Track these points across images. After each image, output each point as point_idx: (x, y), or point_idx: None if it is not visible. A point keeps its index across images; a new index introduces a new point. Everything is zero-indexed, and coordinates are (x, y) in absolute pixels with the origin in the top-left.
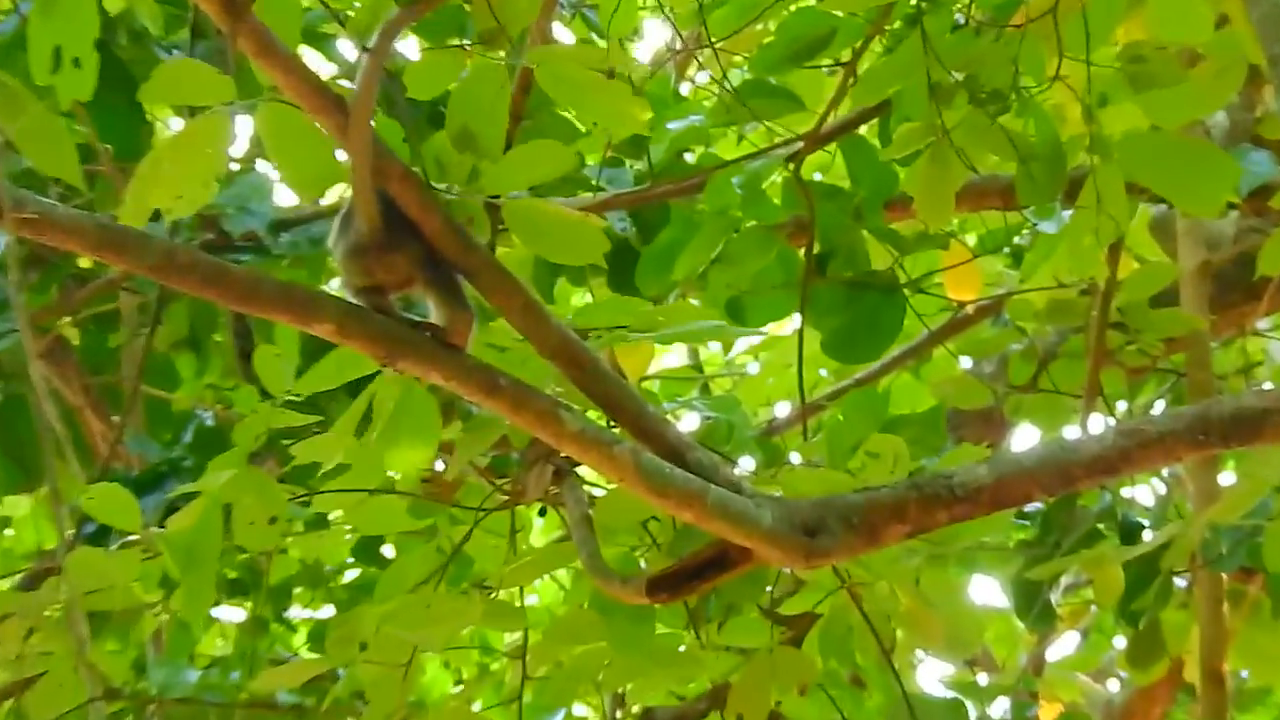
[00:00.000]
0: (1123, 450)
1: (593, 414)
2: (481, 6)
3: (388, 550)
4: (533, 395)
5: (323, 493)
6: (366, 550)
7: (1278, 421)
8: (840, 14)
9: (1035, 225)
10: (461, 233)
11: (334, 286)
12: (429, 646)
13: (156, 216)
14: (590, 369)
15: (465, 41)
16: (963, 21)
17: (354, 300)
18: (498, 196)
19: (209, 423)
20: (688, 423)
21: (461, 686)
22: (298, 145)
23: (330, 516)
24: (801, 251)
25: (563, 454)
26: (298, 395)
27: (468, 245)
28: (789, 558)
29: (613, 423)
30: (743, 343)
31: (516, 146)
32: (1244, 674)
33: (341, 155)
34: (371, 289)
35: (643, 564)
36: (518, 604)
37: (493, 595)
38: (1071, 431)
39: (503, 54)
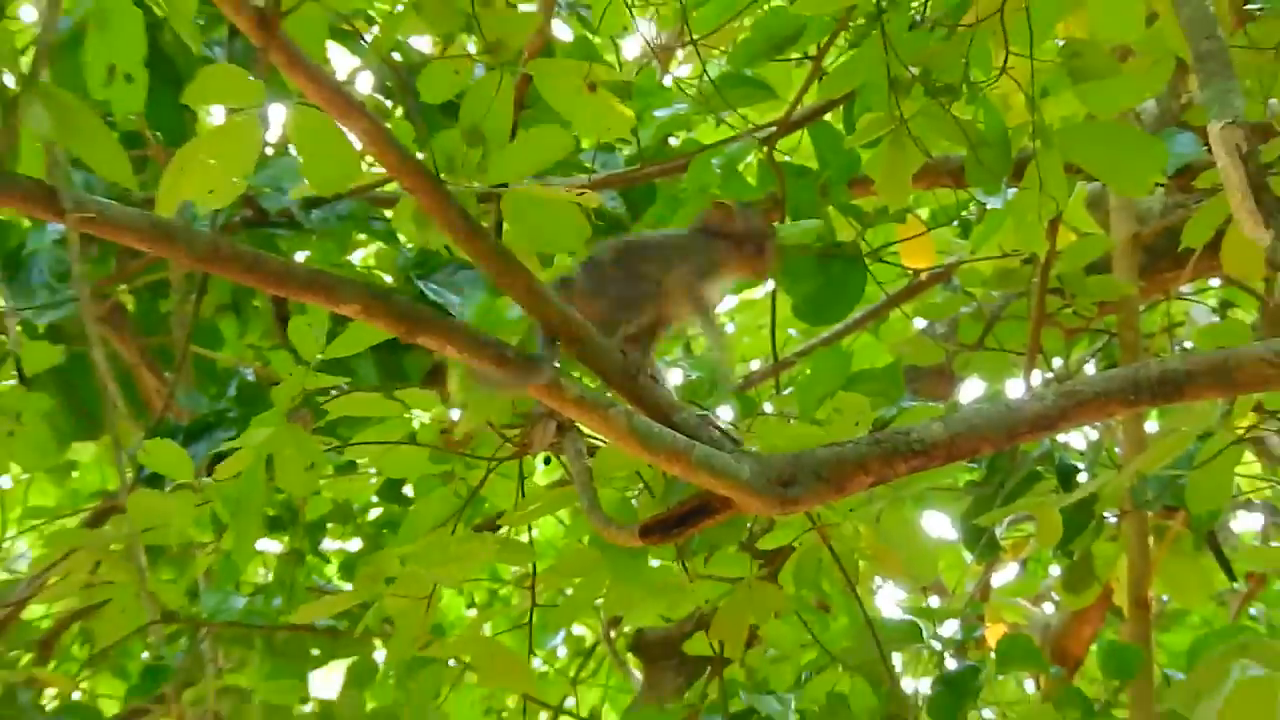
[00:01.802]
0: (1062, 409)
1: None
2: (488, 20)
3: (408, 490)
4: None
5: (353, 444)
6: (390, 491)
7: (1199, 383)
8: (809, 13)
9: (983, 202)
10: (471, 222)
11: (358, 258)
12: (447, 582)
13: None
14: (588, 342)
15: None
16: (919, 20)
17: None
18: (505, 185)
19: (250, 378)
20: (673, 378)
21: (474, 610)
22: (322, 146)
23: (358, 462)
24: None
25: None
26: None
27: (477, 234)
28: (766, 506)
29: (608, 388)
30: (721, 306)
31: (520, 134)
32: (1165, 599)
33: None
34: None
35: (635, 504)
36: (524, 538)
37: (502, 532)
38: (1014, 384)
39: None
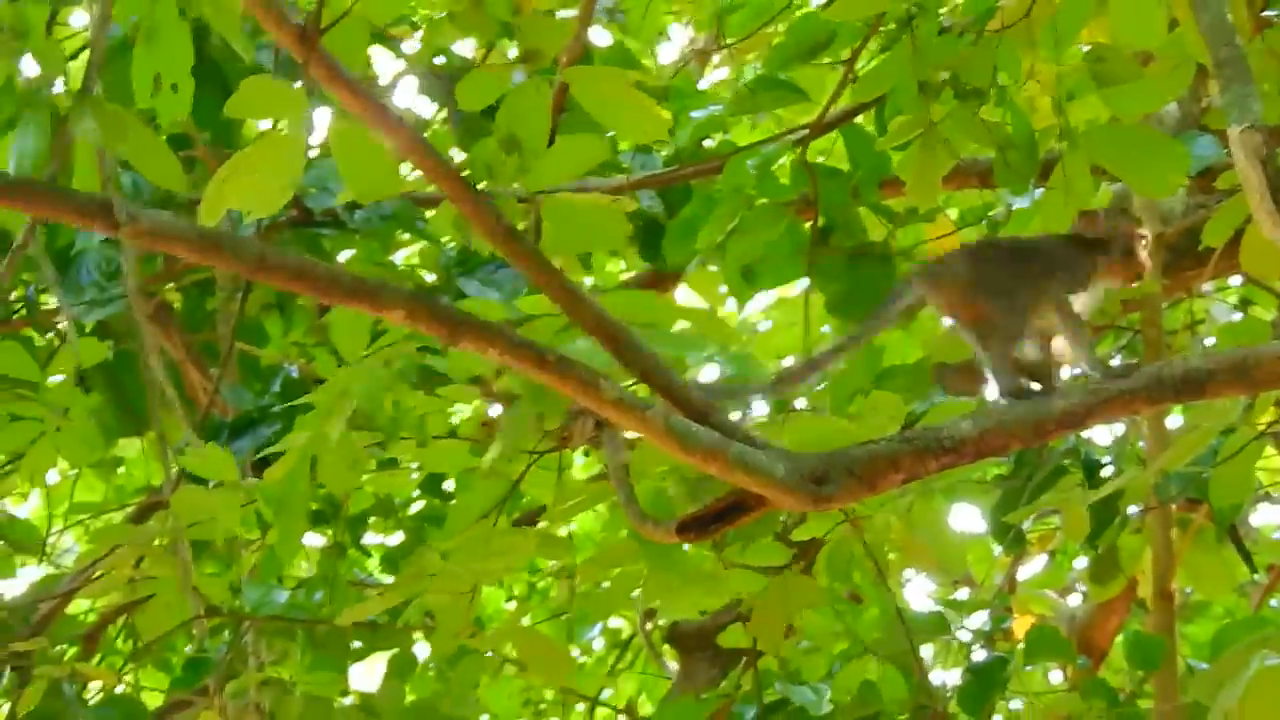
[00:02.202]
0: (1089, 406)
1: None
2: (525, 27)
3: (448, 485)
4: (575, 367)
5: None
6: (431, 485)
7: (1220, 381)
8: (841, 19)
9: (1010, 202)
10: (507, 226)
11: (401, 256)
12: (489, 579)
13: None
14: (624, 341)
15: (510, 59)
16: (948, 26)
17: None
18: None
19: (294, 374)
20: (709, 373)
21: (513, 602)
22: (361, 156)
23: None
24: (807, 225)
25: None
26: None
27: (513, 236)
28: (800, 503)
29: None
30: (757, 303)
31: (558, 140)
32: (1188, 591)
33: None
34: None
35: (673, 495)
36: (562, 531)
37: (541, 525)
38: None
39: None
